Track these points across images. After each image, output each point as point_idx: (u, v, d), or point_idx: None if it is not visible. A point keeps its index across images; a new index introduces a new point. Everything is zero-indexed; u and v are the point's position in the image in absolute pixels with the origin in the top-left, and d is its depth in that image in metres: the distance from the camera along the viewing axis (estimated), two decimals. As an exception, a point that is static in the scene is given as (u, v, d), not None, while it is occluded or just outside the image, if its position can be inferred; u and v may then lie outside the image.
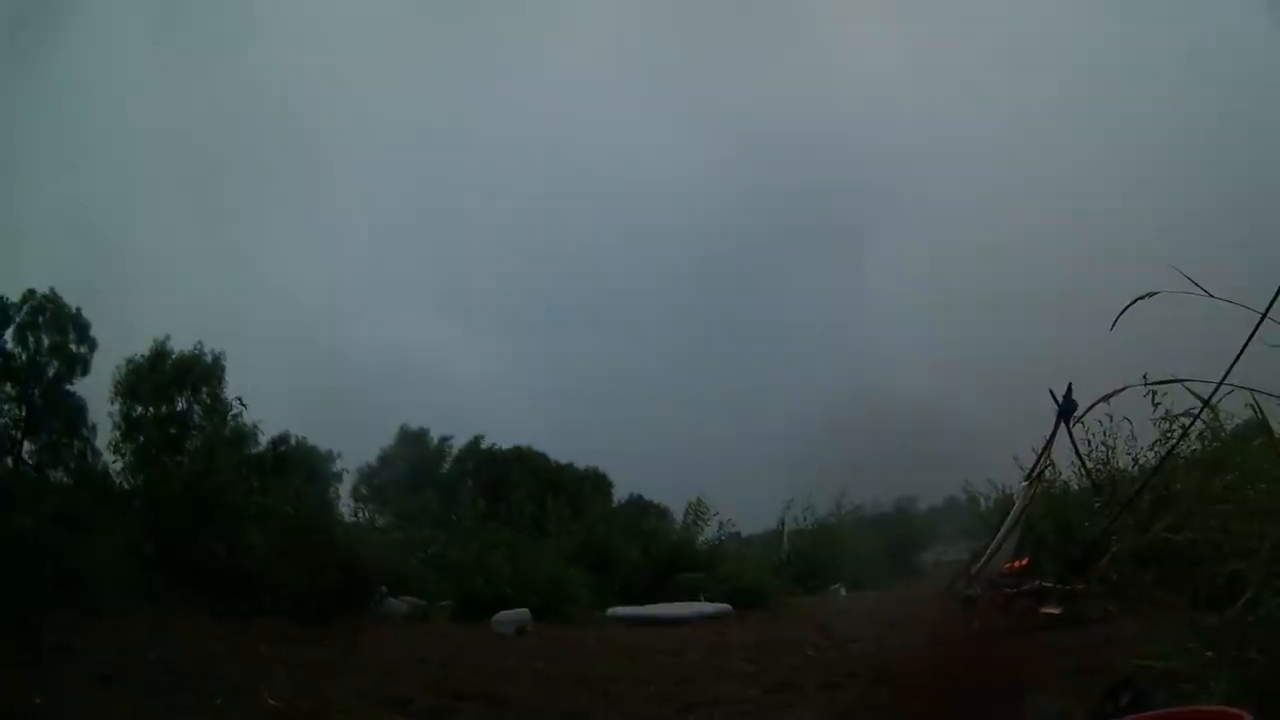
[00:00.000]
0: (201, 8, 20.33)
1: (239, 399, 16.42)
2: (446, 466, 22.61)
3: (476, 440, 22.55)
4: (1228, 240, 15.87)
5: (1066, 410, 13.80)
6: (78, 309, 16.60)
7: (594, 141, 22.97)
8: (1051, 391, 13.92)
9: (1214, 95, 18.54)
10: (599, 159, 22.75)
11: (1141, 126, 19.95)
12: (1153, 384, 7.84)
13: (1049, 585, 12.03)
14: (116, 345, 16.83)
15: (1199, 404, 7.02)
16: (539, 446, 22.33)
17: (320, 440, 18.18)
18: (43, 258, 16.62)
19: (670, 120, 23.20)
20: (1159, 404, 9.26)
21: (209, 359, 17.22)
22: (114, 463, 16.27)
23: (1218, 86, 18.22)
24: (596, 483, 23.02)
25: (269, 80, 20.40)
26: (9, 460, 16.02)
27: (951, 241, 22.22)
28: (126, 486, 15.72)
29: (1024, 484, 14.85)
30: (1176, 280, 6.30)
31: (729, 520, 20.78)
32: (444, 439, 22.73)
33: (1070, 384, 13.80)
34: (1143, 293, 6.51)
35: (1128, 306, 6.58)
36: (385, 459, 21.46)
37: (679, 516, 21.35)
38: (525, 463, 22.07)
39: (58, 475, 16.28)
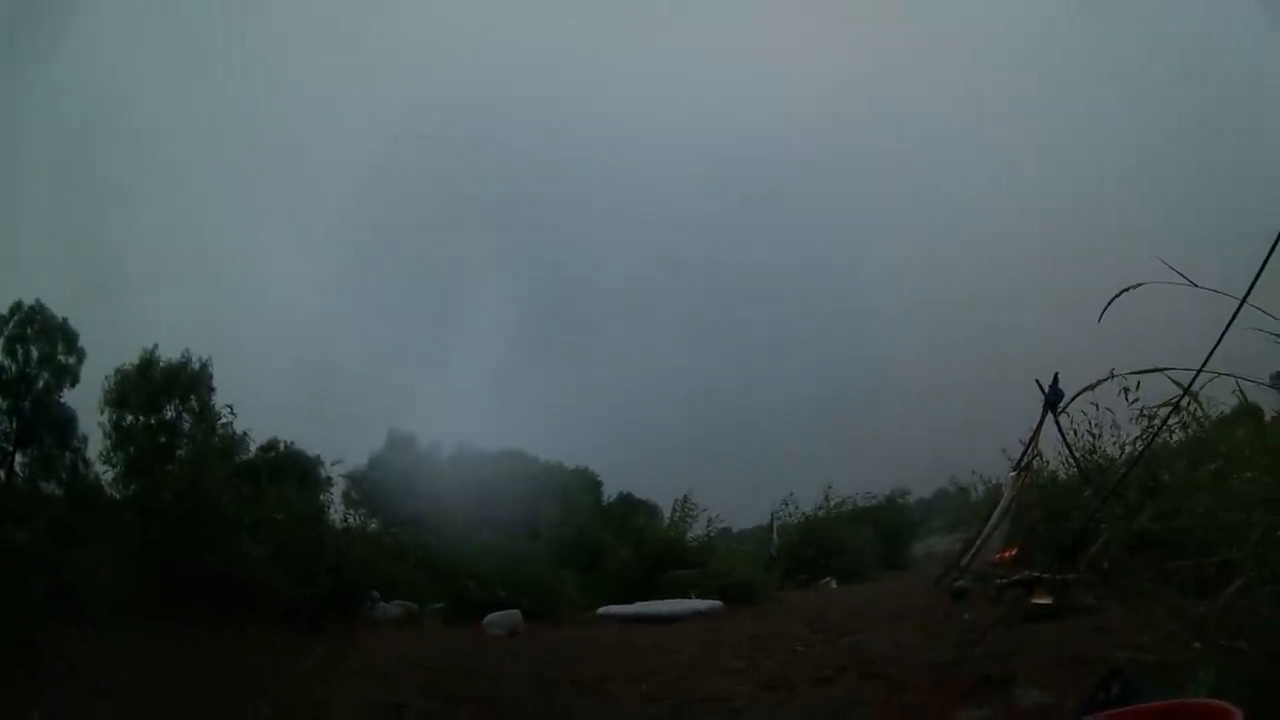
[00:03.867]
0: (193, 12, 20.28)
1: (229, 407, 16.38)
2: (435, 469, 22.55)
3: (464, 442, 22.52)
4: (1217, 231, 15.97)
5: (1053, 400, 13.89)
6: (65, 319, 16.57)
7: (588, 141, 23.00)
8: (1038, 382, 14.02)
9: (1209, 92, 18.66)
10: (588, 155, 22.76)
11: (1134, 121, 20.07)
12: (1134, 373, 7.89)
13: (1039, 575, 12.08)
14: (105, 355, 16.82)
15: (1182, 393, 7.04)
16: (526, 447, 22.33)
17: (309, 445, 18.17)
18: (29, 269, 16.62)
19: (663, 117, 23.24)
20: (1136, 399, 9.34)
21: (196, 366, 17.19)
22: (105, 473, 16.26)
23: (1212, 83, 18.32)
24: (585, 482, 23.02)
25: (257, 83, 20.43)
26: (1, 472, 15.97)
27: (941, 235, 22.34)
28: (118, 496, 15.70)
29: (1012, 474, 14.94)
30: (1163, 271, 6.34)
31: (718, 516, 20.87)
32: (433, 442, 22.72)
33: (1056, 374, 13.89)
34: (1129, 284, 6.55)
35: (1113, 299, 6.61)
36: (375, 463, 21.44)
37: (668, 514, 21.45)
38: (513, 463, 22.03)
39: (50, 486, 16.25)
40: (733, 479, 22.42)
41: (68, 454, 16.43)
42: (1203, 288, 6.28)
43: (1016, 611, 10.83)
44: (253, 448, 16.61)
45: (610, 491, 23.35)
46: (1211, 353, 6.34)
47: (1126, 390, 9.00)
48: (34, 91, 16.69)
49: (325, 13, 20.98)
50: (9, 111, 15.90)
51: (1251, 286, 5.93)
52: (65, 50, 17.02)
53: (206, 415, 16.95)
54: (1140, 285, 6.48)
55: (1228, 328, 6.14)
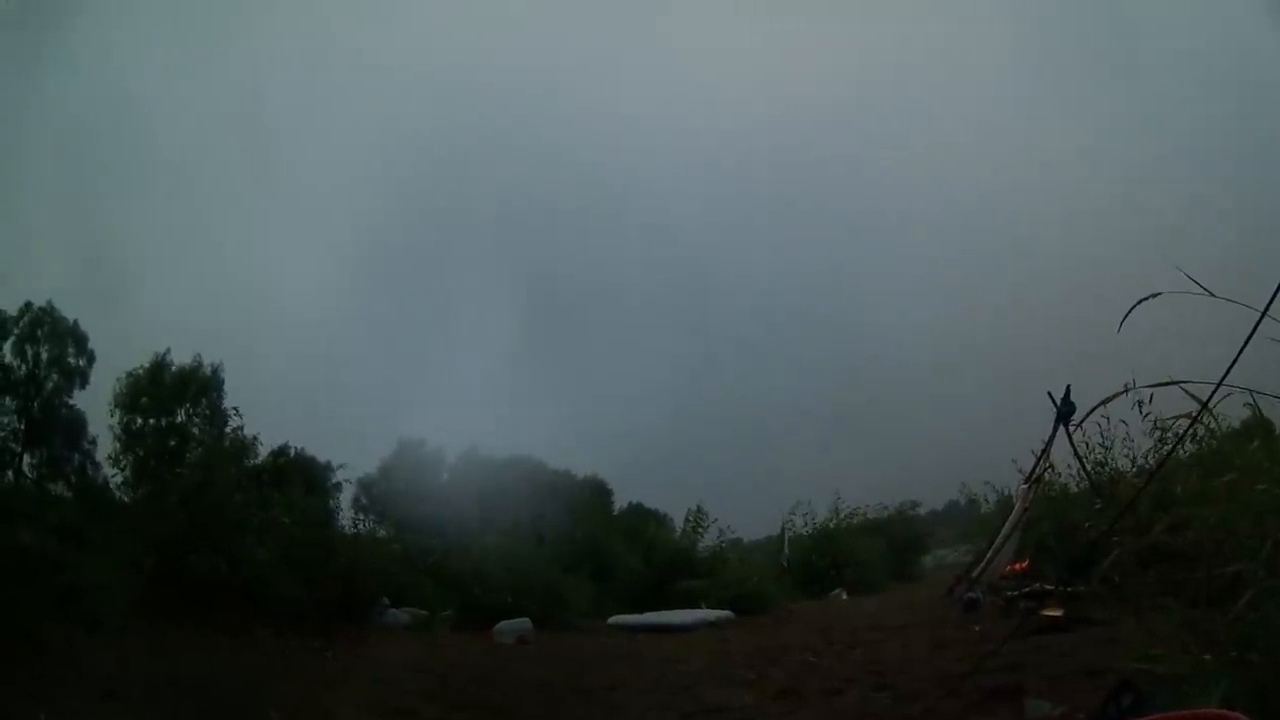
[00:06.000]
0: (201, 16, 20.29)
1: (234, 409, 16.42)
2: (445, 476, 22.48)
3: (474, 449, 22.44)
4: (1231, 240, 15.92)
5: (1065, 413, 13.82)
6: (75, 321, 16.58)
7: (601, 148, 22.91)
8: (1050, 394, 13.95)
9: (1217, 95, 18.59)
10: (605, 163, 22.68)
11: (1151, 128, 19.99)
12: (1149, 386, 7.82)
13: (1050, 587, 12.04)
14: (115, 357, 16.82)
15: (1197, 405, 6.98)
16: (536, 454, 22.25)
17: (320, 451, 18.15)
18: (39, 270, 16.65)
19: (671, 122, 23.15)
20: (1149, 412, 9.29)
21: (208, 370, 17.20)
22: (114, 476, 16.25)
23: (1232, 90, 18.24)
24: (595, 491, 22.97)
25: (265, 83, 20.44)
26: (9, 474, 15.98)
27: (952, 245, 22.25)
28: (127, 499, 15.70)
29: (1023, 487, 14.89)
30: (1179, 281, 6.29)
31: (729, 527, 20.87)
32: (443, 449, 22.63)
33: (1068, 387, 13.82)
34: (1143, 294, 6.50)
35: (1133, 308, 6.55)
36: (385, 469, 21.39)
37: (679, 524, 21.45)
38: (523, 471, 21.95)
39: (58, 488, 16.23)
40: (744, 489, 22.36)
41: (76, 456, 16.42)
42: (1221, 298, 6.23)
43: (1027, 623, 10.78)
44: (262, 452, 16.62)
45: (621, 501, 23.33)
46: (1231, 367, 6.28)
47: (1141, 403, 8.93)
48: (45, 93, 16.76)
49: (330, 17, 20.98)
50: (20, 112, 15.96)
51: (1273, 298, 5.88)
52: (75, 53, 17.11)
53: (216, 419, 16.98)
54: (1158, 295, 6.43)
55: (1247, 341, 6.09)
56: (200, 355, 17.18)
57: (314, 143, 21.25)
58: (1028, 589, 12.75)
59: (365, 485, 20.17)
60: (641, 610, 16.65)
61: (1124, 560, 8.06)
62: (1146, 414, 9.42)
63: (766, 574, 20.07)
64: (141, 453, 16.33)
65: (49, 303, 16.48)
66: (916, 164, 22.41)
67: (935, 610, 15.20)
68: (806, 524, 23.00)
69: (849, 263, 23.05)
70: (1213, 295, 6.21)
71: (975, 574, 15.14)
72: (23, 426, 16.07)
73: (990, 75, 21.45)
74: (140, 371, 16.89)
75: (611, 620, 16.14)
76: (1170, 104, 19.44)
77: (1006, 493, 17.26)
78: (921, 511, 25.81)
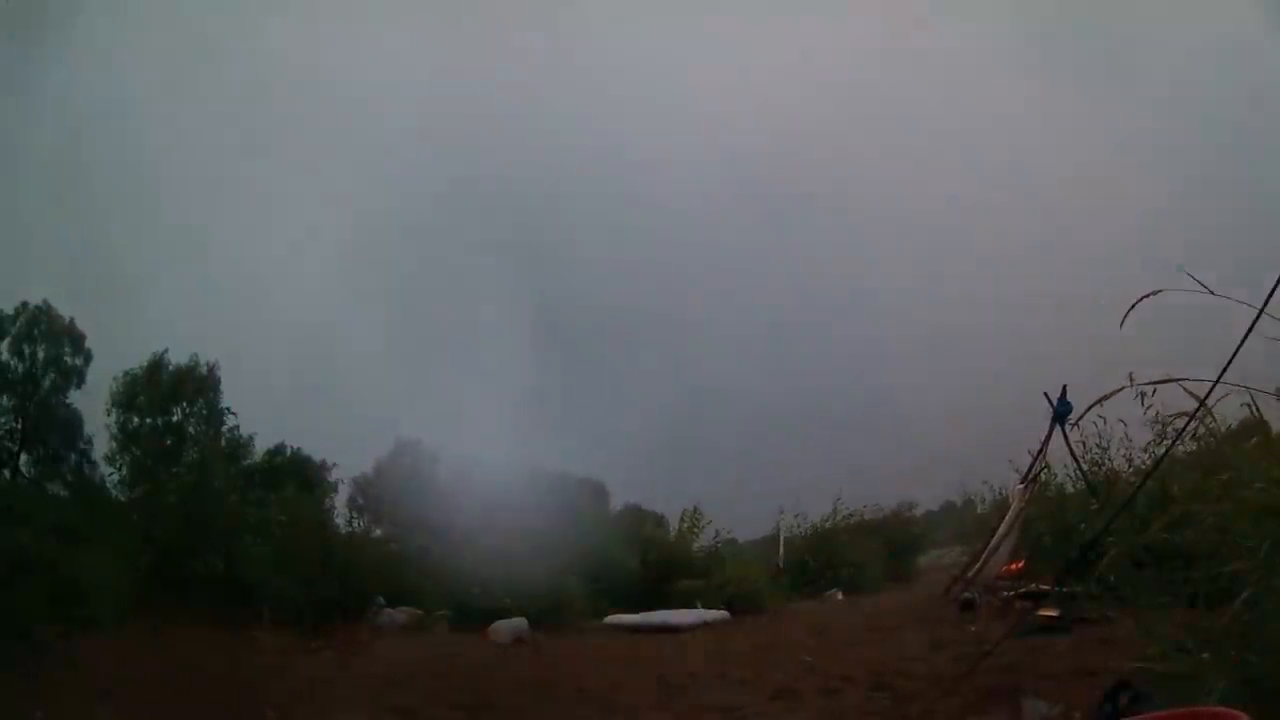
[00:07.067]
0: (199, 15, 20.26)
1: (227, 408, 16.46)
2: (442, 476, 22.43)
3: (471, 450, 22.37)
4: (1229, 239, 15.94)
5: (1061, 413, 13.81)
6: (71, 320, 16.54)
7: (591, 143, 22.88)
8: (1046, 394, 13.93)
9: (1229, 97, 18.62)
10: (595, 160, 22.65)
11: (1143, 126, 20.00)
12: (1147, 384, 7.82)
13: (1046, 588, 12.04)
14: (111, 356, 16.77)
15: (1195, 403, 6.97)
16: (533, 455, 22.20)
17: (316, 451, 18.13)
18: (35, 269, 16.60)
19: (675, 129, 23.16)
20: (1149, 406, 9.28)
21: (204, 370, 17.15)
22: (111, 475, 16.21)
23: (1231, 89, 18.26)
24: (592, 492, 22.92)
25: (264, 83, 20.40)
26: (6, 473, 15.94)
27: (949, 245, 22.26)
28: (124, 499, 15.67)
29: (1019, 487, 14.88)
30: (1176, 280, 6.29)
31: (725, 528, 20.84)
32: (439, 449, 22.58)
33: (1064, 387, 13.80)
34: (1147, 291, 6.50)
35: (1135, 305, 6.56)
36: (381, 469, 21.35)
37: (675, 524, 21.42)
38: (520, 472, 21.90)
39: (55, 488, 16.19)
40: (740, 491, 22.34)
41: (73, 455, 16.37)
42: (1220, 295, 6.23)
43: (1024, 624, 10.78)
44: (258, 451, 16.63)
45: (618, 502, 23.29)
46: (1228, 365, 6.29)
47: (1143, 395, 8.94)
48: (42, 92, 16.74)
49: (332, 18, 20.95)
50: (17, 112, 15.94)
51: (1270, 296, 5.88)
52: (72, 52, 17.06)
53: (213, 419, 16.96)
54: (1160, 292, 6.43)
55: (1245, 337, 6.09)
56: (197, 355, 17.13)
57: (311, 143, 21.23)
58: (1024, 589, 12.77)
59: (361, 485, 20.14)
60: (638, 610, 16.61)
61: (1120, 560, 8.06)
62: (1148, 407, 9.41)
63: (762, 574, 20.06)
64: (138, 452, 16.28)
65: (45, 302, 16.43)
66: (920, 168, 22.44)
67: (932, 610, 15.19)
68: (800, 524, 23.00)
69: (847, 264, 23.07)
70: (1211, 293, 6.21)
71: (972, 574, 15.14)
72: (20, 426, 16.03)
73: (993, 78, 21.46)
74: (137, 371, 16.84)
75: (608, 620, 16.12)
76: (1170, 106, 19.46)
77: (1003, 493, 17.26)
78: (918, 512, 25.83)
